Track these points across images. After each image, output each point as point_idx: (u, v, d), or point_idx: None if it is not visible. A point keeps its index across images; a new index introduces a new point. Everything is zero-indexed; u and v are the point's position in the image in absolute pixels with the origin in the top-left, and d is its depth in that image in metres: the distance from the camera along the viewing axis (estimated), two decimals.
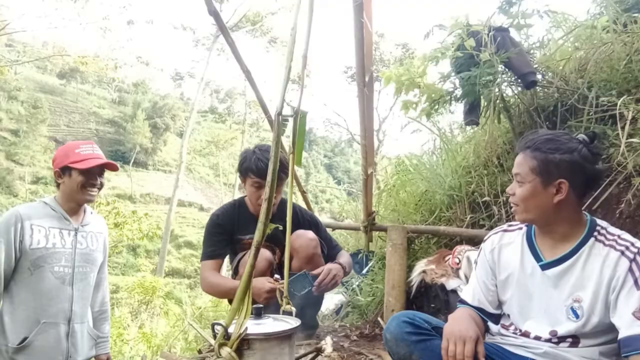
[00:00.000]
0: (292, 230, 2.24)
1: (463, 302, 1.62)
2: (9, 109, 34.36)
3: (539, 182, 1.39)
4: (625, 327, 1.27)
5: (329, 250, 2.51)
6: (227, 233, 2.42)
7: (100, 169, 2.08)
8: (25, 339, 1.90)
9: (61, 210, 2.05)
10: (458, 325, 1.41)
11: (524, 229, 1.55)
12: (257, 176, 2.29)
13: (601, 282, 1.34)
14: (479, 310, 1.56)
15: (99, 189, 2.10)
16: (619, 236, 1.38)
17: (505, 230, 1.59)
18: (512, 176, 1.49)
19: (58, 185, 2.07)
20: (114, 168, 2.12)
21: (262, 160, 2.26)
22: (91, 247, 2.12)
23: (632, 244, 1.34)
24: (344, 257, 2.48)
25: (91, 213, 2.21)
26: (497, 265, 1.56)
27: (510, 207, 1.51)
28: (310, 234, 2.36)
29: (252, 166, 2.29)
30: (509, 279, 1.52)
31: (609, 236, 1.38)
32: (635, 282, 1.29)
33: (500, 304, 1.57)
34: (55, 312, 1.97)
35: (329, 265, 2.29)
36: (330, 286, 2.27)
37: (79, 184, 2.02)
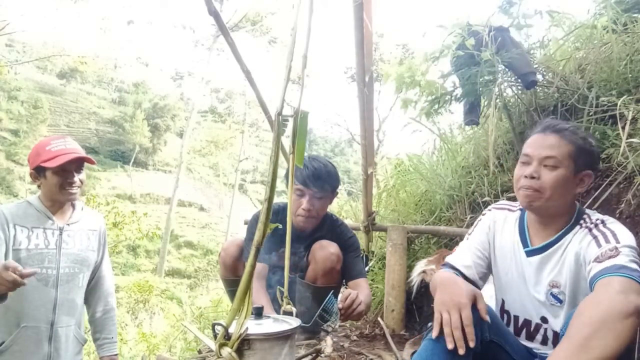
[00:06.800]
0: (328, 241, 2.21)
1: (449, 265, 1.53)
2: (9, 109, 34.30)
3: (572, 170, 1.31)
4: (590, 273, 1.22)
5: (348, 268, 2.30)
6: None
7: (77, 165, 1.93)
8: (2, 343, 1.82)
9: (44, 210, 1.94)
10: (449, 293, 1.28)
11: (518, 212, 1.51)
12: (299, 182, 2.12)
13: (577, 261, 1.31)
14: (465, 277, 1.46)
15: (79, 186, 1.95)
16: (597, 219, 1.35)
17: (509, 209, 1.55)
18: (511, 176, 1.48)
19: (38, 186, 1.95)
20: (89, 162, 1.98)
21: (308, 167, 2.13)
22: (80, 246, 2.01)
23: (600, 220, 1.32)
24: (364, 293, 2.15)
25: (82, 209, 2.09)
26: (493, 241, 1.52)
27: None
28: (332, 247, 2.21)
29: (296, 172, 2.06)
30: (501, 261, 1.50)
31: (588, 222, 1.36)
32: (595, 239, 1.27)
33: (485, 278, 1.53)
34: (37, 315, 1.87)
35: (355, 294, 2.01)
36: (354, 316, 2.02)
37: (55, 185, 1.89)
